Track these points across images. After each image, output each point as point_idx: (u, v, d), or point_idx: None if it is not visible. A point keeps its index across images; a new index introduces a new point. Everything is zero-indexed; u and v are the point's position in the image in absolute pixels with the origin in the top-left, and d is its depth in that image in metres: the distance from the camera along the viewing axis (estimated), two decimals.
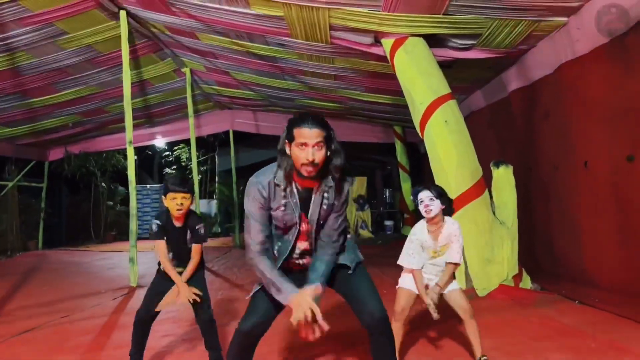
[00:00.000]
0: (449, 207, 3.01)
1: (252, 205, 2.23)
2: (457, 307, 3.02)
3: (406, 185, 13.23)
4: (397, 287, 3.09)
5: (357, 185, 14.46)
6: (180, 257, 3.05)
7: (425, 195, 2.94)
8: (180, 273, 2.99)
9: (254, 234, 2.22)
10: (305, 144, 2.09)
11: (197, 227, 3.05)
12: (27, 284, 7.52)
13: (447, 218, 3.03)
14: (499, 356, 3.18)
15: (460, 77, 7.77)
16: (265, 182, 2.22)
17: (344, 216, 2.36)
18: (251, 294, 2.35)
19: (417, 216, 3.10)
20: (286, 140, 2.19)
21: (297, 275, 2.32)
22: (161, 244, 3.00)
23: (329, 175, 2.24)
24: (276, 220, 2.27)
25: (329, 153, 2.18)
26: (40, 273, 8.98)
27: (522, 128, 6.96)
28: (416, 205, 3.04)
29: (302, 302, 2.11)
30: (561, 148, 5.85)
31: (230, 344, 2.29)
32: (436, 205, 2.94)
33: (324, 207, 2.27)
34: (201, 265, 3.14)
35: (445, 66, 6.69)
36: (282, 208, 2.23)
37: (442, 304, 3.04)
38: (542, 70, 6.15)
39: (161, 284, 3.04)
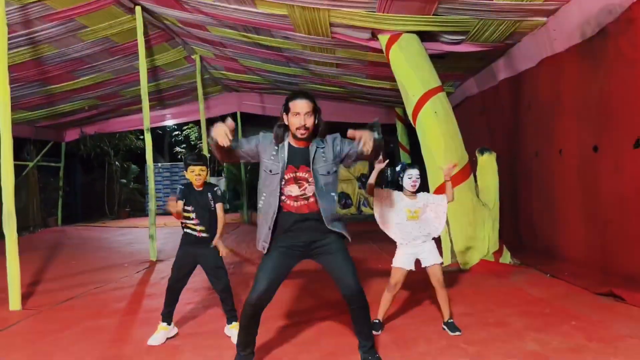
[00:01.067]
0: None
1: (252, 137, 2.97)
2: (433, 278, 3.69)
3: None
4: (392, 265, 3.73)
5: (359, 164, 15.01)
6: (202, 219, 3.65)
7: (415, 173, 3.63)
8: (202, 231, 3.64)
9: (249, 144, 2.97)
10: (298, 113, 2.81)
11: (214, 190, 3.75)
12: (54, 258, 8.25)
13: (419, 193, 3.72)
14: (467, 320, 3.84)
15: (455, 66, 8.27)
16: (268, 137, 2.96)
17: (348, 141, 2.96)
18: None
19: (396, 187, 3.77)
20: (284, 113, 2.88)
21: (298, 224, 2.88)
22: (175, 202, 3.65)
23: (318, 138, 2.95)
24: (265, 167, 2.90)
25: (316, 122, 2.88)
26: (64, 248, 9.72)
27: (509, 115, 7.50)
28: (398, 177, 3.71)
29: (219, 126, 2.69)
30: (541, 136, 6.41)
31: (241, 314, 2.91)
32: (419, 184, 3.66)
33: (323, 159, 2.90)
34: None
35: (440, 57, 7.23)
36: (272, 158, 2.88)
37: (424, 275, 3.70)
38: (526, 63, 6.66)
39: (185, 255, 3.70)
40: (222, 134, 2.63)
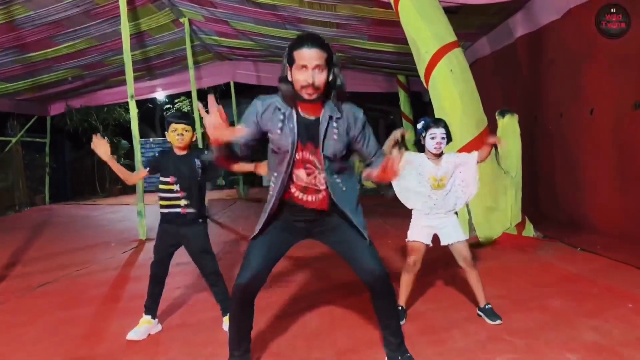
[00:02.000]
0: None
1: (247, 113, 2.21)
2: (459, 258, 3.08)
3: (410, 136, 13.16)
4: (406, 240, 3.12)
5: None
6: (188, 190, 3.00)
7: (440, 132, 2.95)
8: (187, 206, 2.99)
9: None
10: (305, 66, 2.05)
11: (203, 152, 3.06)
12: (38, 238, 7.67)
13: (443, 155, 3.07)
14: (503, 304, 3.26)
15: (466, 23, 7.57)
16: (267, 101, 2.20)
17: (372, 139, 2.31)
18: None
19: (417, 148, 3.11)
20: (287, 65, 2.14)
21: (301, 218, 2.29)
22: (142, 171, 3.11)
23: (333, 102, 2.19)
24: (272, 144, 2.21)
25: (330, 78, 2.13)
26: (50, 227, 9.14)
27: (528, 75, 6.86)
28: (420, 136, 3.03)
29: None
30: (566, 95, 5.79)
31: (229, 299, 2.31)
32: (444, 145, 2.97)
33: (335, 137, 2.18)
34: (203, 220, 3.15)
35: (451, 12, 6.54)
36: (279, 132, 2.16)
37: (447, 254, 3.12)
38: (549, 15, 6.00)
39: (165, 236, 3.08)
40: (219, 127, 1.91)
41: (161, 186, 3.03)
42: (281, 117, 2.16)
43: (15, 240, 7.26)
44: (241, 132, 2.08)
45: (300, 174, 2.21)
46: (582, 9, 5.31)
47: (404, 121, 13.38)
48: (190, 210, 3.01)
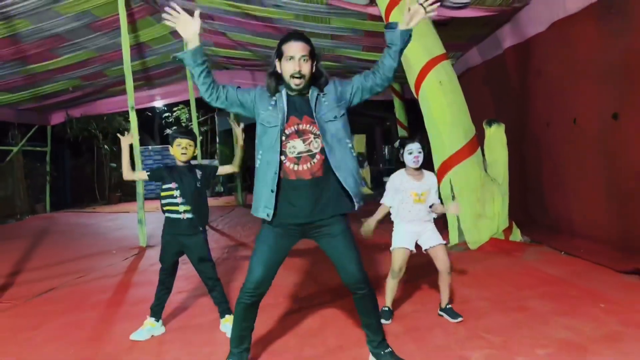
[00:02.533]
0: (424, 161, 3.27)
1: (245, 89, 2.57)
2: (438, 261, 3.28)
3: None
4: (391, 249, 3.31)
5: (356, 143, 14.61)
6: (187, 197, 3.21)
7: (416, 147, 3.17)
8: (187, 212, 3.21)
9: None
10: (292, 57, 2.38)
11: (204, 165, 3.43)
12: (39, 246, 7.84)
13: (423, 170, 3.29)
14: (484, 305, 3.48)
15: (457, 34, 7.81)
16: (263, 89, 2.53)
17: (356, 76, 2.58)
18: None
19: (397, 165, 3.34)
20: (276, 59, 2.46)
21: (297, 187, 2.44)
22: (141, 174, 3.35)
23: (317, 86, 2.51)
24: (261, 120, 2.48)
25: (314, 69, 2.46)
26: (50, 235, 9.30)
27: (516, 85, 7.08)
28: (399, 154, 3.26)
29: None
30: (553, 105, 6.00)
31: (235, 304, 2.53)
32: (422, 158, 3.18)
33: (325, 103, 2.47)
34: (203, 228, 3.36)
35: (442, 24, 6.77)
36: (270, 109, 2.46)
37: (428, 258, 3.32)
38: (536, 27, 6.21)
39: (170, 243, 3.28)
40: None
41: (163, 193, 3.24)
42: (272, 101, 2.48)
43: (18, 248, 7.42)
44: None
45: (297, 144, 2.43)
46: (565, 21, 5.53)
47: (399, 128, 13.60)
48: (189, 215, 3.21)
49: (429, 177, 3.29)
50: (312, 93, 2.49)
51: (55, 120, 14.16)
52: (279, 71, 2.46)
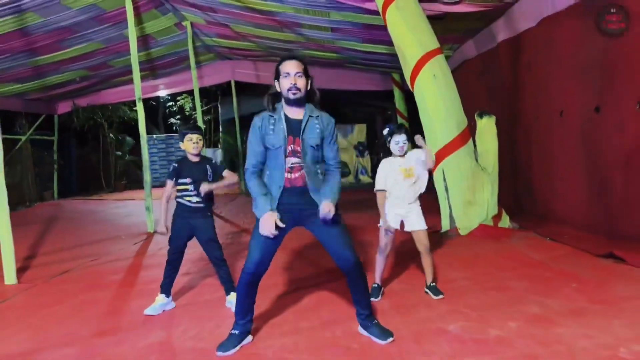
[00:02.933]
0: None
1: (251, 134, 2.81)
2: (418, 243, 3.63)
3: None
4: (378, 225, 3.65)
5: (357, 133, 14.89)
6: (198, 190, 3.55)
7: (402, 138, 3.55)
8: (198, 202, 3.56)
9: (250, 158, 2.82)
10: (288, 74, 2.70)
11: (213, 162, 3.71)
12: (51, 232, 8.19)
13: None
14: (466, 284, 3.80)
15: (453, 27, 8.05)
16: (261, 115, 2.81)
17: (336, 146, 2.90)
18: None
19: (383, 153, 3.69)
20: (275, 80, 2.78)
21: (291, 193, 2.77)
22: (169, 184, 3.64)
23: (312, 105, 2.83)
24: (267, 143, 2.76)
25: (308, 86, 2.78)
26: (60, 221, 9.66)
27: (509, 78, 7.33)
28: (385, 141, 3.62)
29: (269, 218, 2.69)
30: (541, 98, 6.27)
31: (238, 283, 2.86)
32: (406, 147, 3.57)
33: (317, 130, 2.77)
34: (210, 213, 3.71)
35: (438, 18, 7.02)
36: (271, 132, 2.74)
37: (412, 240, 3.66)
38: (527, 22, 6.46)
39: (181, 227, 3.61)
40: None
41: (179, 187, 3.60)
42: (272, 121, 2.77)
43: (31, 233, 7.77)
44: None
45: (292, 159, 2.76)
46: (553, 18, 5.78)
47: (398, 118, 13.85)
48: (201, 205, 3.58)
49: (411, 153, 3.62)
50: (305, 115, 2.78)
51: (62, 109, 14.49)
52: (279, 90, 2.76)
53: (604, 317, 3.00)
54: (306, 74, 2.76)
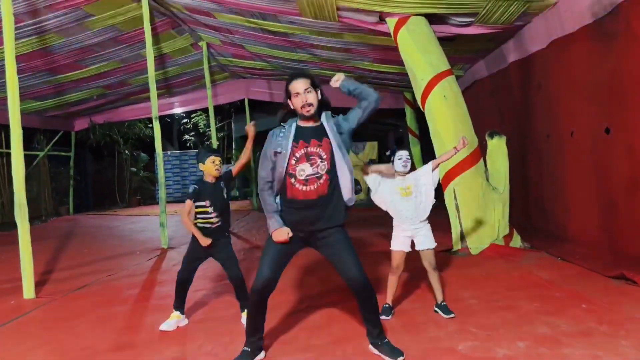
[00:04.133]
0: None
1: (267, 147, 2.92)
2: (425, 261, 3.71)
3: (416, 150, 13.64)
4: (390, 249, 3.72)
5: (368, 150, 14.95)
6: (220, 211, 3.68)
7: (404, 154, 3.67)
8: (218, 222, 3.66)
9: (263, 171, 2.91)
10: (298, 93, 2.83)
11: (225, 174, 3.79)
12: (66, 247, 8.34)
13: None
14: (475, 303, 3.84)
15: (464, 48, 8.17)
16: (276, 129, 2.94)
17: (350, 111, 3.01)
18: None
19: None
20: (287, 100, 2.91)
21: (303, 213, 2.85)
22: (189, 203, 3.70)
23: (329, 113, 2.96)
24: (274, 147, 2.87)
25: (320, 97, 2.89)
26: (76, 236, 9.83)
27: (519, 98, 7.40)
28: (391, 159, 3.74)
29: (282, 232, 2.83)
30: (552, 118, 6.33)
31: (248, 300, 2.94)
32: (409, 164, 3.69)
33: (334, 129, 2.88)
34: (227, 234, 3.82)
35: (449, 39, 7.14)
36: (280, 138, 2.87)
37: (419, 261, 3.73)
38: (537, 44, 6.55)
39: (196, 250, 3.71)
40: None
41: (198, 209, 3.68)
42: (283, 130, 2.91)
43: (47, 248, 7.93)
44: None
45: (305, 167, 2.83)
46: (563, 40, 5.86)
47: (410, 136, 13.93)
48: (220, 224, 3.68)
49: (412, 173, 3.71)
50: (324, 119, 2.92)
51: (79, 126, 14.84)
52: (292, 108, 2.89)
53: (612, 338, 3.03)
54: (314, 86, 2.88)
